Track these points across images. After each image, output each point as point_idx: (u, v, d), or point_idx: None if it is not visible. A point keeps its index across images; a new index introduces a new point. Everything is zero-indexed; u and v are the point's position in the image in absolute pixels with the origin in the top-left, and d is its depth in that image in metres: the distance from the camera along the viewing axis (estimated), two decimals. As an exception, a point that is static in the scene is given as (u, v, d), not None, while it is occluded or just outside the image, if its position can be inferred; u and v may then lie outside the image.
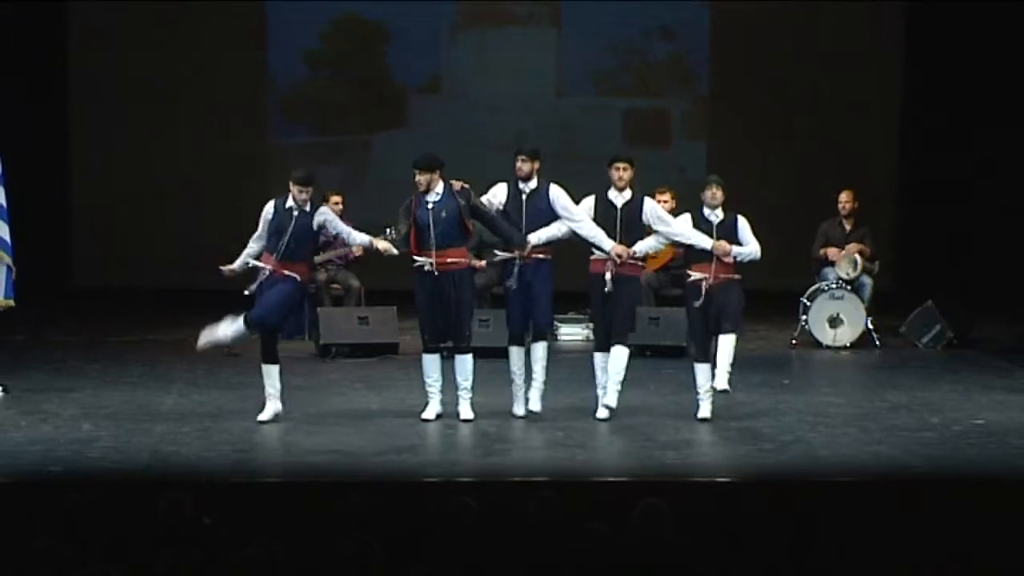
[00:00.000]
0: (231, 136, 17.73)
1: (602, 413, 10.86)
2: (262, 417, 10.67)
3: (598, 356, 10.92)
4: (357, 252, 13.51)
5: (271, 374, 10.71)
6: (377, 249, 10.70)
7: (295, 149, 17.84)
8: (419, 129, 17.72)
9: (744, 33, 17.94)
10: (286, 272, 10.58)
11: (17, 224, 11.77)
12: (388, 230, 12.69)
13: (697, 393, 10.93)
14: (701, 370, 10.89)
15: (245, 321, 10.62)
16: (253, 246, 10.75)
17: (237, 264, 10.79)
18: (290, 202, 10.63)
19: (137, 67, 17.55)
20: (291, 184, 10.64)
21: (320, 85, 18.07)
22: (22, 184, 12.40)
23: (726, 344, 10.79)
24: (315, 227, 10.68)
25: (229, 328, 10.66)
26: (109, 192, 17.71)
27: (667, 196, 13.72)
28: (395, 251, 10.66)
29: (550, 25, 18.07)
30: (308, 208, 10.64)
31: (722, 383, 10.81)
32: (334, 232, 10.94)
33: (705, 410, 10.89)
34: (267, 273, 10.60)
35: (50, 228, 16.91)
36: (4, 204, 11.63)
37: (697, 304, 10.80)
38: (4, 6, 16.64)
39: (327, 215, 10.81)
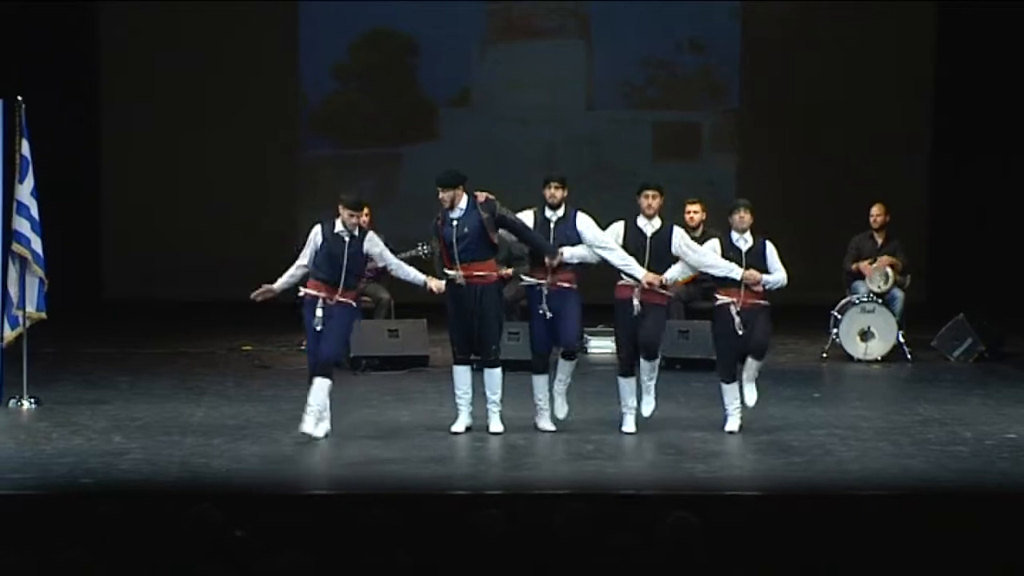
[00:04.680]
0: (261, 149, 17.76)
1: (629, 427, 10.87)
2: (305, 429, 10.56)
3: (623, 381, 10.91)
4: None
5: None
6: (430, 289, 10.62)
7: (325, 162, 17.87)
8: (448, 142, 17.73)
9: (774, 46, 17.90)
10: (342, 299, 10.48)
11: (48, 237, 11.82)
12: (421, 245, 12.76)
13: (725, 409, 10.93)
14: (728, 390, 10.90)
15: (320, 372, 10.40)
16: (297, 272, 10.57)
17: (278, 285, 10.62)
18: (339, 227, 10.49)
19: (167, 80, 17.61)
20: (341, 208, 10.48)
21: (350, 98, 18.09)
22: (53, 198, 12.46)
23: (752, 366, 10.91)
24: (365, 253, 10.59)
25: (316, 397, 10.39)
26: (139, 205, 17.75)
27: (697, 207, 13.71)
28: (443, 286, 10.59)
29: (579, 38, 18.07)
30: (357, 233, 10.57)
31: (751, 398, 10.90)
32: (382, 264, 10.80)
33: (733, 423, 10.88)
34: (324, 305, 10.40)
35: (81, 241, 16.97)
36: (37, 218, 11.70)
37: (732, 329, 10.78)
38: (38, 28, 16.77)
39: (378, 244, 10.65)
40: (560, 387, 10.96)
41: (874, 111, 17.79)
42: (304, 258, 10.59)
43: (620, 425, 10.90)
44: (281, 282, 10.65)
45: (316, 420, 10.41)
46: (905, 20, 17.80)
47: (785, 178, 17.39)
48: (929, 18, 17.79)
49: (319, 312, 10.39)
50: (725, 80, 18.12)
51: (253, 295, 10.70)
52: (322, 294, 10.45)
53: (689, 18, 17.96)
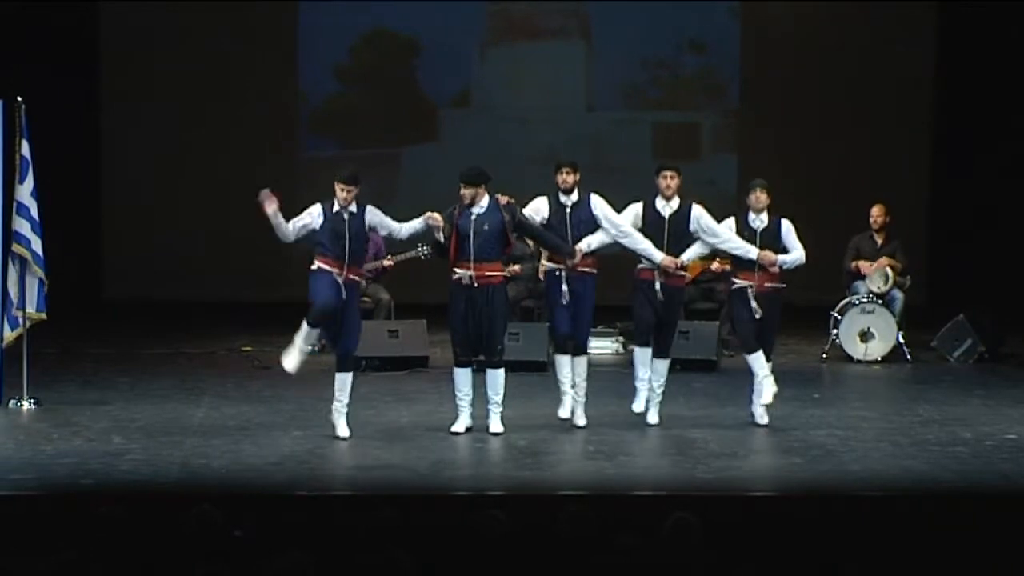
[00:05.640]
0: (261, 150, 17.77)
1: (652, 418, 10.99)
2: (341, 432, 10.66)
3: (639, 351, 10.95)
4: (388, 264, 13.61)
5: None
6: (429, 217, 10.52)
7: (325, 163, 17.84)
8: (449, 143, 17.74)
9: (774, 46, 17.92)
10: (352, 276, 10.54)
11: (48, 237, 11.82)
12: (421, 245, 12.76)
13: (756, 375, 10.91)
14: (755, 359, 10.92)
15: (343, 367, 10.64)
16: (290, 225, 10.48)
17: (283, 224, 10.43)
18: (336, 206, 10.54)
19: (168, 82, 17.62)
20: (336, 183, 10.53)
21: (350, 99, 18.10)
22: (53, 198, 12.45)
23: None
24: (367, 227, 10.62)
25: (345, 393, 10.63)
26: (139, 206, 17.77)
27: (698, 208, 13.69)
28: (439, 218, 10.49)
29: (580, 39, 18.08)
30: (355, 209, 10.59)
31: (763, 415, 11.01)
32: (386, 231, 10.76)
33: (767, 394, 10.90)
34: (339, 280, 10.43)
35: (81, 241, 16.98)
36: (37, 218, 11.70)
37: (749, 316, 10.83)
38: (38, 28, 16.77)
39: (378, 215, 10.67)
40: (580, 394, 10.95)
41: (874, 111, 17.79)
42: (298, 221, 10.52)
43: (632, 402, 10.95)
44: (279, 221, 10.47)
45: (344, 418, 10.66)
46: (905, 20, 17.81)
47: (785, 178, 17.33)
48: (929, 18, 17.80)
49: (340, 283, 10.41)
50: (725, 80, 18.13)
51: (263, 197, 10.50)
52: (335, 269, 10.47)
53: (689, 18, 17.98)
